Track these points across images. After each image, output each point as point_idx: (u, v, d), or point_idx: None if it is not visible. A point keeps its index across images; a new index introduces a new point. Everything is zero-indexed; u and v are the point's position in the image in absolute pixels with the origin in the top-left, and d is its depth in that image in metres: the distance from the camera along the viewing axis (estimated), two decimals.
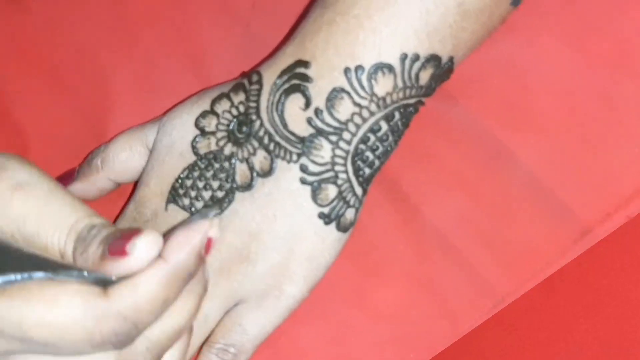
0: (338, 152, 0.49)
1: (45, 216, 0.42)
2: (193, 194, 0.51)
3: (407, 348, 0.53)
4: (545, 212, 0.53)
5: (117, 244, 0.40)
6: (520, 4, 0.50)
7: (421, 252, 0.54)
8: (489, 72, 0.54)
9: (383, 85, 0.48)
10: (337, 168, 0.49)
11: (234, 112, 0.51)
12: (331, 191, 0.50)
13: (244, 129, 0.50)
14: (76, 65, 0.60)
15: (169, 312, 0.42)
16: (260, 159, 0.50)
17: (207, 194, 0.51)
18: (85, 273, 0.40)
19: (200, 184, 0.51)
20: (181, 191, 0.51)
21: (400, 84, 0.48)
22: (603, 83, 0.53)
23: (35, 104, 0.59)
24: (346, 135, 0.49)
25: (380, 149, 0.49)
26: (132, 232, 0.40)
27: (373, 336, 0.53)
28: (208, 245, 0.41)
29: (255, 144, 0.50)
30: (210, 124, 0.51)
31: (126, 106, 0.59)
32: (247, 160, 0.50)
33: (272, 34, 0.57)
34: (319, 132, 0.49)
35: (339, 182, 0.49)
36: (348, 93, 0.48)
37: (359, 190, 0.50)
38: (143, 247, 0.40)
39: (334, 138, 0.49)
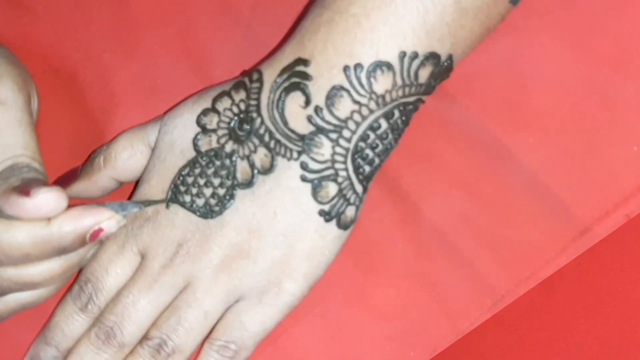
0: (338, 149, 0.49)
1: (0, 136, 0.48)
2: (194, 191, 0.51)
3: (407, 346, 0.53)
4: (545, 211, 0.53)
5: (29, 186, 0.45)
6: (519, 2, 0.50)
7: (421, 250, 0.54)
8: (488, 71, 0.54)
9: (382, 83, 0.48)
10: (337, 166, 0.49)
11: (235, 109, 0.51)
12: (331, 189, 0.50)
13: (245, 126, 0.51)
14: (79, 67, 0.60)
15: (28, 266, 0.47)
16: (260, 156, 0.50)
17: (208, 191, 0.51)
18: None
19: (202, 181, 0.51)
20: (182, 188, 0.52)
21: (399, 82, 0.48)
22: (602, 82, 0.53)
23: (39, 104, 0.60)
24: (346, 133, 0.49)
25: (380, 147, 0.50)
26: (47, 183, 0.46)
27: (373, 334, 0.54)
28: (96, 233, 0.46)
29: (256, 141, 0.50)
30: (212, 121, 0.52)
31: (129, 106, 0.59)
32: (247, 158, 0.50)
33: (273, 35, 0.58)
34: (319, 130, 0.49)
35: (339, 179, 0.50)
36: (347, 91, 0.48)
37: (359, 188, 0.50)
38: (44, 196, 0.45)
39: (333, 136, 0.49)
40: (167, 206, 0.52)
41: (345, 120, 0.49)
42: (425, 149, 0.55)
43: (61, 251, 0.47)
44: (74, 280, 0.55)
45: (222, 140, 0.51)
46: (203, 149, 0.52)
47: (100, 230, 0.47)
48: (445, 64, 0.49)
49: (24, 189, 0.45)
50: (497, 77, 0.54)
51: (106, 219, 0.47)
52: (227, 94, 0.52)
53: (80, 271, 0.54)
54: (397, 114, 0.49)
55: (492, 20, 0.50)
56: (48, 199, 0.45)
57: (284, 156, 0.50)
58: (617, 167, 0.52)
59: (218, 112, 0.52)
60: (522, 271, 0.53)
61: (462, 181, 0.54)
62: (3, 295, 0.50)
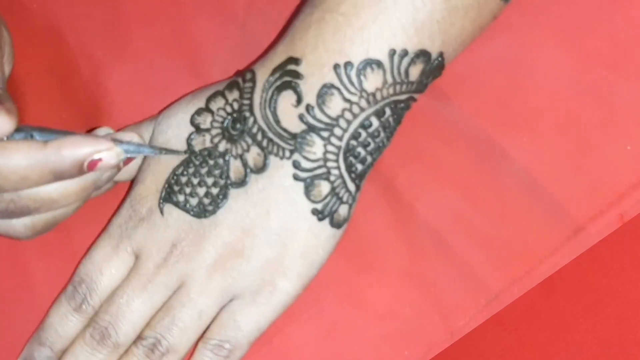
0: (330, 148, 0.49)
1: None
2: (188, 190, 0.52)
3: (401, 345, 0.53)
4: (538, 210, 0.53)
5: None
6: (510, 0, 0.50)
7: (415, 249, 0.54)
8: (482, 71, 0.54)
9: (372, 81, 0.48)
10: (330, 164, 0.49)
11: (228, 109, 0.51)
12: (324, 187, 0.50)
13: (238, 126, 0.51)
14: (73, 65, 0.61)
15: (31, 187, 0.49)
16: (253, 155, 0.50)
17: (201, 191, 0.51)
18: None
19: (195, 181, 0.51)
20: (176, 188, 0.52)
21: (389, 79, 0.48)
22: (596, 81, 0.53)
23: (33, 103, 0.60)
24: (337, 131, 0.49)
25: (372, 145, 0.50)
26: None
27: (367, 333, 0.54)
28: (94, 163, 0.48)
29: (249, 140, 0.50)
30: (205, 121, 0.52)
31: (123, 105, 0.59)
32: (240, 157, 0.51)
33: (268, 34, 0.58)
34: (311, 128, 0.49)
35: (332, 178, 0.50)
36: (338, 89, 0.48)
37: (351, 187, 0.50)
38: None
39: (325, 134, 0.49)
40: (185, 153, 0.53)
41: (336, 119, 0.49)
42: (419, 148, 0.55)
43: (59, 176, 0.49)
44: (69, 281, 0.55)
45: (216, 140, 0.51)
46: (197, 148, 0.52)
47: (99, 160, 0.48)
48: (436, 61, 0.49)
49: None
50: (490, 76, 0.54)
51: (105, 150, 0.48)
52: (221, 93, 0.52)
53: (74, 271, 0.55)
54: (388, 112, 0.49)
55: (484, 18, 0.50)
56: None
57: (276, 155, 0.50)
58: (610, 166, 0.52)
59: (212, 112, 0.52)
60: (516, 270, 0.53)
61: (456, 180, 0.54)
62: (26, 215, 0.51)
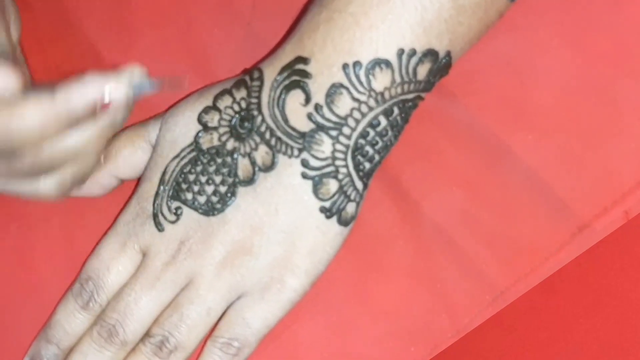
0: (338, 146, 0.49)
1: None
2: (196, 188, 0.52)
3: (408, 342, 0.54)
4: (544, 207, 0.53)
5: None
6: None
7: (421, 247, 0.54)
8: (488, 69, 0.55)
9: (381, 81, 0.49)
10: (338, 163, 0.50)
11: (236, 107, 0.52)
12: (332, 185, 0.50)
13: (246, 124, 0.51)
14: (79, 63, 0.61)
15: (51, 141, 0.48)
16: (262, 153, 0.51)
17: (209, 189, 0.51)
18: None
19: (203, 179, 0.52)
20: (184, 186, 0.52)
21: (398, 79, 0.49)
22: (601, 79, 0.54)
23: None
24: (346, 130, 0.49)
25: (380, 144, 0.50)
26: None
27: (374, 330, 0.54)
28: (105, 105, 0.47)
29: (257, 139, 0.51)
30: (213, 119, 0.52)
31: None
32: (249, 155, 0.51)
33: (273, 33, 0.58)
34: (319, 127, 0.49)
35: (340, 176, 0.50)
36: (347, 89, 0.49)
37: (359, 185, 0.51)
38: None
39: (334, 133, 0.49)
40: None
41: (345, 118, 0.49)
42: (425, 146, 0.55)
43: (74, 122, 0.48)
44: (76, 278, 0.55)
45: (224, 138, 0.52)
46: (204, 146, 0.52)
47: (109, 103, 0.48)
48: (444, 60, 0.49)
49: None
50: (496, 74, 0.55)
51: (113, 81, 0.47)
52: (228, 91, 0.52)
53: (81, 269, 0.55)
54: (396, 111, 0.50)
55: (490, 17, 0.50)
56: None
57: (284, 153, 0.50)
58: (615, 164, 0.53)
59: (219, 110, 0.52)
60: (521, 267, 0.53)
61: (462, 178, 0.54)
62: (50, 171, 0.50)
